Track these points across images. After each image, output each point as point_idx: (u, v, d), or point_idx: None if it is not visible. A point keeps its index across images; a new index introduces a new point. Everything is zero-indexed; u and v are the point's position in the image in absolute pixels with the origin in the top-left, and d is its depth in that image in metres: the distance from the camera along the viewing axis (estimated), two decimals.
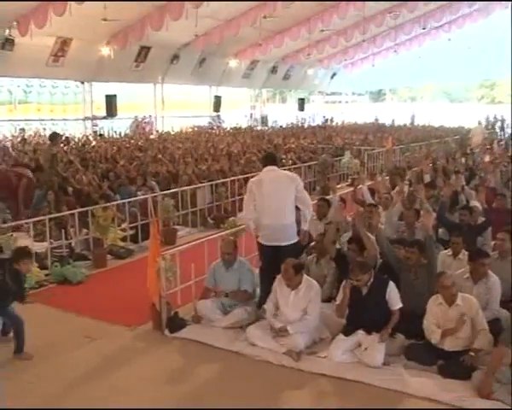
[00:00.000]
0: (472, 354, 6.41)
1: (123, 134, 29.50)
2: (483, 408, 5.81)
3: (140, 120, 34.17)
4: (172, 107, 37.27)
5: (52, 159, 14.50)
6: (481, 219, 9.94)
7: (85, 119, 31.67)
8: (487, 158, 17.50)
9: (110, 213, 11.34)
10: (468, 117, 44.31)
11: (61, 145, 18.72)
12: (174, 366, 6.84)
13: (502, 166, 15.04)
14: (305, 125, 41.17)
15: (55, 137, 15.48)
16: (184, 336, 7.54)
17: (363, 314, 6.92)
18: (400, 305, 6.93)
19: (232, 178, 15.54)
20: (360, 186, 11.77)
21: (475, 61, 45.19)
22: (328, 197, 10.41)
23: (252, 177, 15.64)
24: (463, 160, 17.65)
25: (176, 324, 7.66)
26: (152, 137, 28.48)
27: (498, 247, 8.23)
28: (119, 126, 31.58)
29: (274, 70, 40.98)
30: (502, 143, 25.67)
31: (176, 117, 36.39)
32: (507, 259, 7.91)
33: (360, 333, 6.90)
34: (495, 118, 41.26)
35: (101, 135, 28.12)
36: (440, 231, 9.82)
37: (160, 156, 18.57)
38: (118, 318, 8.11)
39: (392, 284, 7.00)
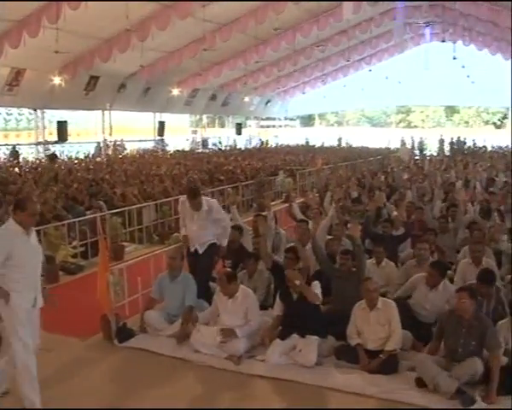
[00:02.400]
0: (381, 356, 6.58)
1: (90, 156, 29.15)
2: (409, 401, 5.93)
3: (111, 143, 33.95)
4: (120, 132, 36.87)
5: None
6: (401, 231, 10.17)
7: (38, 143, 31.06)
8: (405, 176, 17.85)
9: (61, 232, 11.14)
10: (387, 139, 45.33)
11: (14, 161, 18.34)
12: (123, 374, 6.73)
13: (418, 182, 15.37)
14: (243, 148, 41.25)
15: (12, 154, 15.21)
16: (132, 345, 7.41)
17: (296, 318, 6.95)
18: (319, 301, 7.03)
19: (175, 197, 15.42)
20: (292, 204, 11.85)
21: (392, 89, 46.19)
22: (263, 213, 10.44)
23: None
24: (383, 177, 17.96)
25: (124, 334, 7.53)
26: (99, 160, 28.05)
27: (417, 255, 8.39)
28: (69, 151, 31.15)
29: (213, 97, 41.04)
30: (418, 161, 26.23)
31: (123, 141, 36.02)
32: (424, 266, 8.06)
33: (294, 337, 6.92)
34: (412, 139, 42.24)
35: (55, 156, 27.49)
36: (366, 241, 9.97)
37: (107, 177, 18.33)
38: (70, 330, 7.91)
39: (317, 284, 7.10)
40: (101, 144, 33.74)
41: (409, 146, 41.22)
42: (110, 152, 32.66)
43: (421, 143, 42.19)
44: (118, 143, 34.59)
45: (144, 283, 8.55)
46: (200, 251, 8.46)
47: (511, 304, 6.57)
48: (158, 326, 7.75)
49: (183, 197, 8.75)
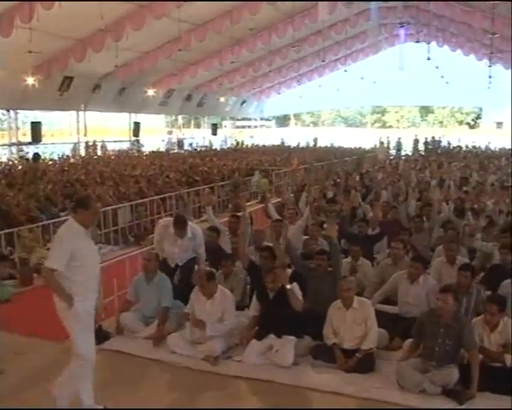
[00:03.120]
0: (358, 355, 6.63)
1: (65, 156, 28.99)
2: (387, 400, 5.99)
3: (91, 143, 33.75)
4: (95, 133, 36.64)
5: None
6: (377, 230, 10.23)
7: (11, 145, 30.71)
8: (380, 176, 17.94)
9: (36, 234, 11.02)
10: (362, 140, 45.56)
11: None
12: (100, 376, 6.64)
13: (393, 182, 15.46)
14: (218, 148, 41.20)
15: None
16: (109, 347, 7.36)
17: (272, 318, 6.97)
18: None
19: (150, 198, 15.39)
20: (267, 204, 11.86)
21: (368, 90, 46.48)
22: (239, 214, 10.43)
23: (169, 197, 15.76)
24: (358, 178, 18.04)
25: (100, 336, 7.45)
26: (73, 161, 27.78)
27: (392, 254, 8.45)
28: (43, 152, 30.80)
29: (189, 98, 40.92)
30: (393, 162, 26.38)
31: (98, 142, 35.80)
32: (399, 264, 8.13)
33: (271, 337, 6.95)
34: (387, 140, 42.49)
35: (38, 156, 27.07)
36: (342, 241, 10.01)
37: (82, 178, 18.19)
38: (46, 333, 7.80)
39: (296, 286, 7.12)
40: (83, 145, 33.50)
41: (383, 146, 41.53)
42: (92, 152, 32.45)
43: (398, 143, 42.48)
44: (99, 143, 34.43)
45: (120, 284, 8.50)
46: (181, 264, 8.72)
47: (486, 303, 6.62)
48: (134, 328, 7.72)
49: (164, 221, 8.90)
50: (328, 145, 42.65)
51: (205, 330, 7.06)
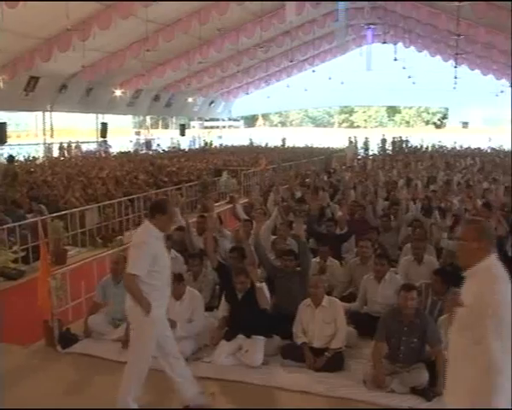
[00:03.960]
0: (327, 354, 6.66)
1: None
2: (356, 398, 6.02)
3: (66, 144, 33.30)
4: (61, 133, 36.28)
5: None
6: (345, 230, 10.30)
7: None
8: (348, 175, 18.06)
9: (1, 237, 10.87)
10: (330, 139, 45.81)
11: None
12: (68, 380, 6.60)
13: (360, 182, 15.56)
14: (187, 149, 41.09)
15: None
16: (76, 350, 7.28)
17: (241, 319, 6.97)
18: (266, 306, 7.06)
19: (118, 199, 15.27)
20: (235, 204, 11.86)
21: (335, 90, 46.74)
22: (206, 214, 10.40)
23: (137, 198, 15.65)
24: (326, 177, 18.13)
25: (68, 339, 7.40)
26: (39, 162, 27.46)
27: (360, 253, 8.50)
28: (8, 153, 30.39)
29: (157, 98, 40.71)
30: (361, 161, 26.58)
31: (73, 143, 35.50)
32: (367, 264, 8.18)
33: (240, 337, 6.94)
34: (355, 139, 42.80)
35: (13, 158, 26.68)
36: (311, 241, 10.06)
37: (49, 179, 17.99)
38: (11, 337, 7.68)
39: (265, 287, 7.12)
40: (54, 146, 33.18)
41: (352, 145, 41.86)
42: (66, 153, 32.17)
43: (366, 142, 42.83)
44: (73, 144, 34.15)
45: (88, 287, 8.42)
46: None
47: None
48: (102, 331, 7.65)
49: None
50: (296, 145, 42.77)
51: (175, 331, 7.03)
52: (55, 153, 33.36)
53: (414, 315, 6.22)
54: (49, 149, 33.40)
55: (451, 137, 45.32)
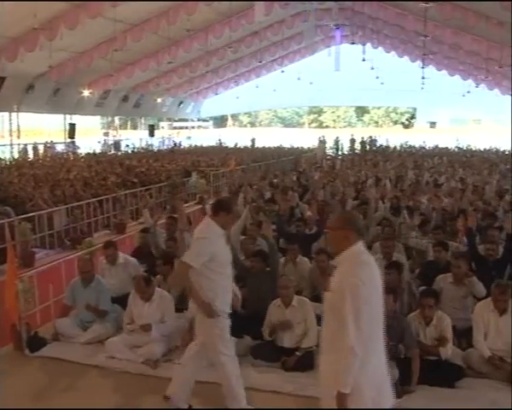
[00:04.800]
0: (298, 353, 6.70)
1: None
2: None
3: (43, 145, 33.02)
4: (28, 134, 35.85)
5: None
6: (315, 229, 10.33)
7: None
8: (317, 175, 18.13)
9: None
10: (300, 139, 45.97)
11: None
12: (36, 384, 6.51)
13: (329, 181, 15.65)
14: (156, 150, 40.90)
15: None
16: (45, 354, 7.20)
17: None
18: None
19: (87, 201, 15.13)
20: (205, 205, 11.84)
21: (304, 90, 46.96)
22: (175, 215, 10.37)
23: (105, 199, 15.53)
24: (295, 177, 18.19)
25: (36, 343, 7.31)
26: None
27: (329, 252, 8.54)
28: None
29: (125, 99, 40.46)
30: (329, 161, 26.71)
31: (31, 144, 35.08)
32: None
33: None
34: (323, 139, 43.00)
35: None
36: (280, 241, 10.09)
37: (15, 181, 17.76)
38: None
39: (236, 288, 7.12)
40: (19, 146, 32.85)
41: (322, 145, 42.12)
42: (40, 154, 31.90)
43: (337, 142, 43.09)
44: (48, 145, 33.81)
45: (56, 289, 8.34)
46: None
47: (420, 297, 6.78)
48: (71, 333, 7.59)
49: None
50: (266, 145, 42.84)
51: (150, 332, 7.00)
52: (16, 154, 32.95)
53: (391, 318, 6.26)
54: (25, 150, 33.04)
55: (419, 137, 45.79)
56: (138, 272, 8.34)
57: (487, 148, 37.47)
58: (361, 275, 3.97)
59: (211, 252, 5.42)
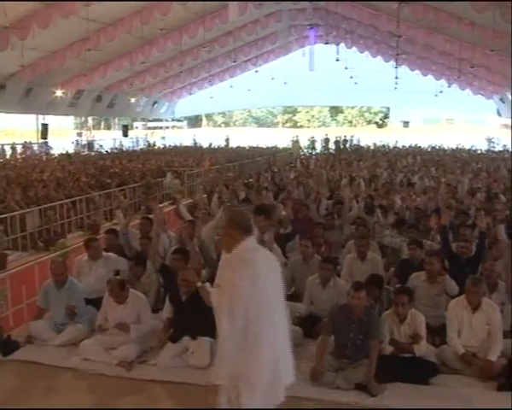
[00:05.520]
0: None
1: None
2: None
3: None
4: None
5: None
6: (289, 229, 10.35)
7: None
8: (292, 175, 18.17)
9: None
10: (274, 139, 46.06)
11: None
12: (9, 388, 6.43)
13: (304, 181, 15.69)
14: (130, 150, 40.70)
15: None
16: (18, 357, 7.09)
17: (186, 320, 6.91)
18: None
19: (60, 202, 15.01)
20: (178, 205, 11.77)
21: (279, 90, 47.06)
22: (150, 216, 10.32)
23: (79, 200, 15.39)
24: (269, 177, 18.22)
25: (9, 346, 7.21)
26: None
27: (303, 252, 8.57)
28: None
29: (99, 99, 40.18)
30: (304, 161, 26.78)
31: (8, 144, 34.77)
32: (309, 263, 8.25)
33: (186, 339, 6.88)
34: (296, 138, 43.18)
35: None
36: None
37: None
38: None
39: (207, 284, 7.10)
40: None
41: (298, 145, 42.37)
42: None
43: (312, 142, 43.27)
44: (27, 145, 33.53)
45: (29, 292, 8.27)
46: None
47: (394, 295, 6.83)
48: (45, 336, 7.48)
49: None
50: (240, 145, 42.87)
51: (129, 333, 6.97)
52: None
53: (363, 313, 6.31)
54: (2, 149, 32.77)
55: (393, 137, 46.14)
56: (122, 267, 8.37)
57: (460, 147, 37.86)
58: (241, 273, 4.20)
59: None
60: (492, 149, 40.06)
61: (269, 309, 4.35)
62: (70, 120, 47.68)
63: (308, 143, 43.91)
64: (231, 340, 4.22)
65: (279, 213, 9.11)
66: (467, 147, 37.94)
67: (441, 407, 5.78)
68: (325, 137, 43.28)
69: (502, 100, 42.31)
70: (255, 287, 4.22)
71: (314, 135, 45.44)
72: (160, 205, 13.49)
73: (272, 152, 35.56)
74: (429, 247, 8.96)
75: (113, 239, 9.24)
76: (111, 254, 8.69)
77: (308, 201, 12.25)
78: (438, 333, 7.02)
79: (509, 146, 39.14)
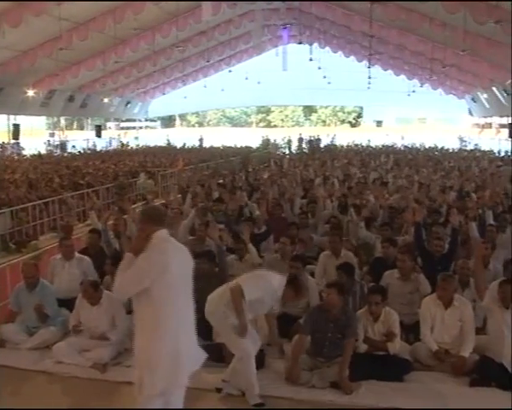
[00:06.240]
0: None
1: None
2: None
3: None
4: None
5: None
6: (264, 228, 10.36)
7: None
8: (266, 174, 18.18)
9: None
10: (248, 139, 46.02)
11: None
12: None
13: (278, 181, 15.70)
14: (103, 150, 40.39)
15: None
16: None
17: None
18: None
19: (32, 203, 14.84)
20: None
21: (252, 90, 47.07)
22: (124, 217, 10.26)
23: (51, 201, 15.24)
24: (244, 177, 18.21)
25: None
26: None
27: (280, 249, 8.58)
28: None
29: (71, 99, 39.78)
30: (278, 161, 26.78)
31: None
32: (286, 260, 8.25)
33: None
34: (266, 138, 43.26)
35: None
36: (229, 241, 10.10)
37: None
38: None
39: None
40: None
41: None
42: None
43: (288, 141, 43.38)
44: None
45: (1, 294, 8.16)
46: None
47: (368, 294, 6.87)
48: (17, 339, 7.40)
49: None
50: (214, 145, 42.78)
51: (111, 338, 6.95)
52: None
53: (340, 312, 6.33)
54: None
55: (366, 136, 46.39)
56: (93, 274, 8.27)
57: (432, 146, 38.21)
58: (148, 261, 4.46)
59: None
60: (464, 147, 40.48)
61: (175, 298, 4.55)
62: (42, 121, 47.16)
63: (284, 142, 43.96)
64: (138, 325, 4.60)
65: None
66: (439, 146, 38.26)
67: (415, 404, 5.82)
68: (299, 136, 43.38)
69: (473, 100, 42.84)
70: (164, 275, 4.47)
71: (290, 135, 45.45)
72: (134, 205, 13.41)
73: (246, 152, 35.55)
74: (402, 241, 9.05)
75: (95, 239, 9.18)
76: (85, 256, 8.62)
77: (282, 200, 12.27)
78: (411, 330, 7.08)
79: (480, 145, 39.72)
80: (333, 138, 45.51)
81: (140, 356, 4.61)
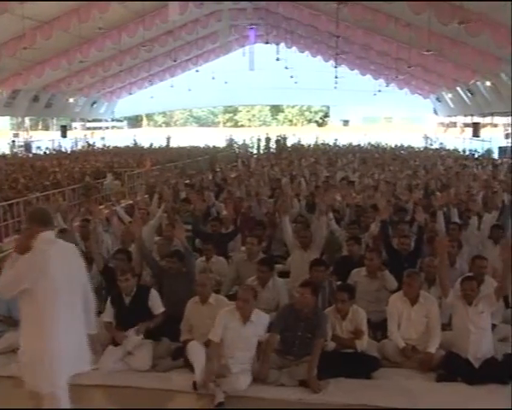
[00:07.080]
0: None
1: None
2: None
3: None
4: None
5: None
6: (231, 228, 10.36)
7: None
8: (233, 174, 18.19)
9: None
10: (215, 139, 46.02)
11: None
12: None
13: (245, 180, 15.72)
14: (69, 151, 40.00)
15: None
16: None
17: (129, 323, 6.82)
18: (162, 309, 6.98)
19: None
20: (115, 207, 11.60)
21: (219, 90, 47.01)
22: (90, 218, 10.16)
23: (16, 203, 15.05)
24: (211, 176, 18.20)
25: None
26: None
27: (248, 249, 8.58)
28: None
29: (36, 99, 39.21)
30: (245, 160, 26.80)
31: None
32: (253, 260, 8.25)
33: (128, 341, 6.78)
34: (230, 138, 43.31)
35: None
36: (197, 241, 10.07)
37: None
38: None
39: (153, 292, 7.04)
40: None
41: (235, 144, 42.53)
42: None
43: (258, 141, 43.44)
44: None
45: None
46: None
47: (336, 292, 6.92)
48: None
49: None
50: (181, 145, 42.66)
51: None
52: None
53: (311, 311, 6.36)
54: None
55: (333, 135, 46.67)
56: None
57: (398, 145, 38.60)
58: (27, 262, 4.52)
59: None
60: (430, 146, 41.00)
61: (57, 299, 4.63)
62: (6, 121, 46.49)
63: (252, 142, 43.99)
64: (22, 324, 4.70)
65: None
66: (405, 145, 38.68)
67: (383, 400, 5.86)
68: (266, 136, 43.45)
69: (438, 99, 43.38)
70: (44, 277, 4.54)
71: (259, 134, 45.48)
72: (101, 206, 13.29)
73: (213, 152, 35.51)
74: (368, 237, 9.14)
75: (62, 239, 9.04)
76: None
77: (250, 200, 12.28)
78: (379, 328, 7.14)
79: (445, 144, 40.27)
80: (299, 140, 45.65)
81: (22, 354, 4.70)
